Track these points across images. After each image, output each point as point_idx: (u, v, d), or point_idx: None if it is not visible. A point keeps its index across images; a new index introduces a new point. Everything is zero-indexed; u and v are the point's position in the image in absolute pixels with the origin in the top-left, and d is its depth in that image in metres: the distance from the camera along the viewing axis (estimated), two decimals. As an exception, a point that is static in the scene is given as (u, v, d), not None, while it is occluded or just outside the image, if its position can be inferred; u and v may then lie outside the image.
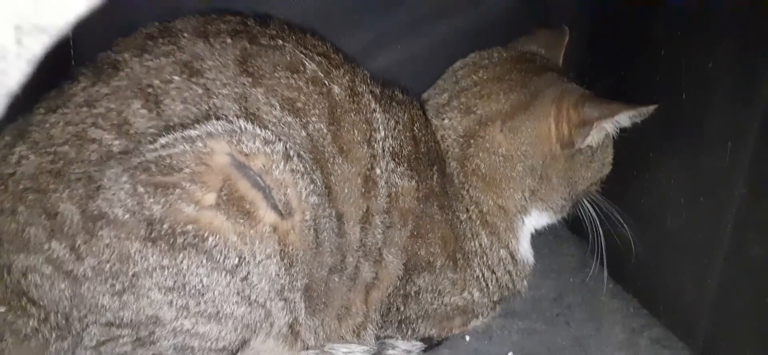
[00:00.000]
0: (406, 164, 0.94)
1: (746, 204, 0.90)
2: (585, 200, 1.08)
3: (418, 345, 0.99)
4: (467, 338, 1.03)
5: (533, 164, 0.99)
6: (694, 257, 1.01)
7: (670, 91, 1.03)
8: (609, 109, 0.94)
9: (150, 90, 0.80)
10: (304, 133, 0.85)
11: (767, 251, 0.87)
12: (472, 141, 1.00)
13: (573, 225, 1.19)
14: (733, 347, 0.93)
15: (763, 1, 0.87)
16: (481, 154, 0.99)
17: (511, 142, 0.98)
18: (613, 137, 1.06)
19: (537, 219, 1.06)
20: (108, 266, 0.74)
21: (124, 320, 0.76)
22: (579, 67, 1.13)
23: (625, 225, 1.06)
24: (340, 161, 0.87)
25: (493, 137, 0.99)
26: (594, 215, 1.08)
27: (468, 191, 1.01)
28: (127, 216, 0.74)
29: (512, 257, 1.05)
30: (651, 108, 0.94)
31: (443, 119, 1.03)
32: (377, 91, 0.97)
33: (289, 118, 0.84)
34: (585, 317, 1.09)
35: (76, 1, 0.37)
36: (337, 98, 0.89)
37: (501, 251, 1.03)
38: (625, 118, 0.95)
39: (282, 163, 0.79)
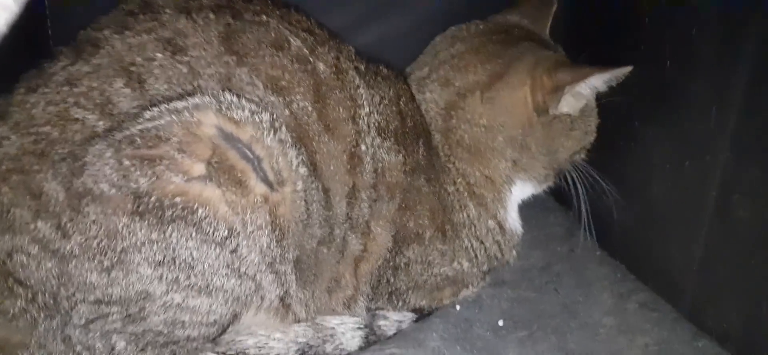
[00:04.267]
0: (392, 139, 0.94)
1: (731, 168, 0.91)
2: (570, 170, 1.08)
3: (410, 316, 0.99)
4: (458, 307, 1.03)
5: (513, 134, 0.99)
6: (680, 222, 1.02)
7: (655, 59, 1.03)
8: (580, 73, 0.94)
9: (133, 68, 0.79)
10: (287, 112, 0.84)
11: (752, 213, 0.88)
12: (453, 113, 1.01)
13: (560, 195, 1.19)
14: (720, 308, 0.95)
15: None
16: (463, 126, 1.00)
17: (489, 112, 0.99)
18: (597, 106, 1.07)
19: (522, 189, 1.06)
20: (95, 242, 0.73)
21: (113, 296, 0.76)
22: (565, 37, 1.13)
23: (610, 194, 1.07)
24: (325, 139, 0.87)
25: (473, 108, 0.99)
26: (579, 184, 1.09)
27: (454, 163, 1.01)
28: (113, 191, 0.73)
29: (500, 227, 1.05)
30: (624, 70, 0.94)
31: (425, 93, 1.03)
32: (362, 67, 0.97)
33: (272, 98, 0.84)
34: (573, 284, 1.09)
35: None
36: (322, 75, 0.89)
37: (489, 221, 1.04)
38: (597, 81, 0.96)
39: (271, 133, 0.79)
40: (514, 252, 1.09)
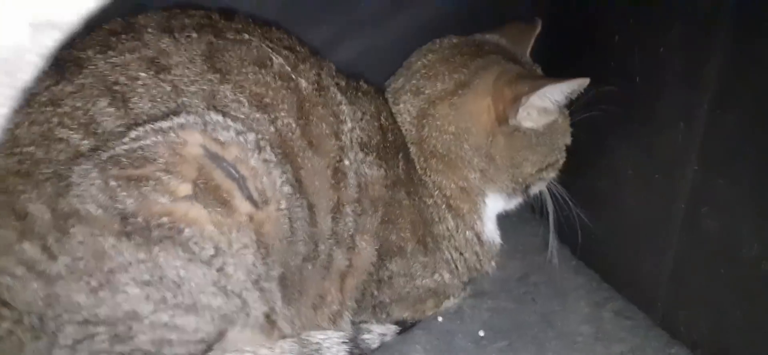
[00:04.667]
0: (374, 154, 0.96)
1: (698, 181, 0.95)
2: (537, 187, 1.11)
3: (393, 328, 1.01)
4: (440, 319, 1.05)
5: (478, 142, 1.02)
6: (651, 233, 1.06)
7: (624, 77, 1.07)
8: (536, 83, 0.97)
9: (116, 88, 0.79)
10: (272, 129, 0.85)
11: (719, 224, 0.92)
12: (424, 121, 1.03)
13: (535, 207, 1.23)
14: (690, 315, 0.98)
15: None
16: (434, 134, 1.03)
17: (456, 120, 1.02)
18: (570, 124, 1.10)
19: (494, 202, 1.09)
20: (82, 263, 0.73)
21: (101, 317, 0.76)
22: (539, 55, 1.16)
23: (579, 207, 1.10)
24: (309, 155, 0.88)
25: (442, 115, 1.02)
26: (549, 199, 1.13)
27: (430, 175, 1.04)
28: (99, 211, 0.73)
29: (478, 238, 1.08)
30: (579, 81, 0.97)
31: (399, 104, 1.06)
32: (343, 83, 0.99)
33: (257, 115, 0.85)
34: (550, 293, 1.13)
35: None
36: (304, 92, 0.91)
37: (467, 232, 1.06)
38: (553, 91, 0.98)
39: (256, 153, 0.80)
40: (492, 263, 1.12)
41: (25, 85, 0.41)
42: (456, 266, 1.05)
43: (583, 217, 1.10)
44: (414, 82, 1.07)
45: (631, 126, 1.08)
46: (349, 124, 0.94)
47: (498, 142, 1.02)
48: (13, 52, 0.39)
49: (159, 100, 0.80)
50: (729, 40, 0.89)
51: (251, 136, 0.81)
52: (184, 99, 0.80)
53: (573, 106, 1.08)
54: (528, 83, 0.98)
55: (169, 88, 0.81)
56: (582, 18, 1.21)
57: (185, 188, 0.76)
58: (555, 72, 1.06)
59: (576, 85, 0.98)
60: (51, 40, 0.40)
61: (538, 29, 1.16)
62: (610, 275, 1.15)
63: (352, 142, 0.94)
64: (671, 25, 0.99)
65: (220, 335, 0.84)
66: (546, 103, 1.01)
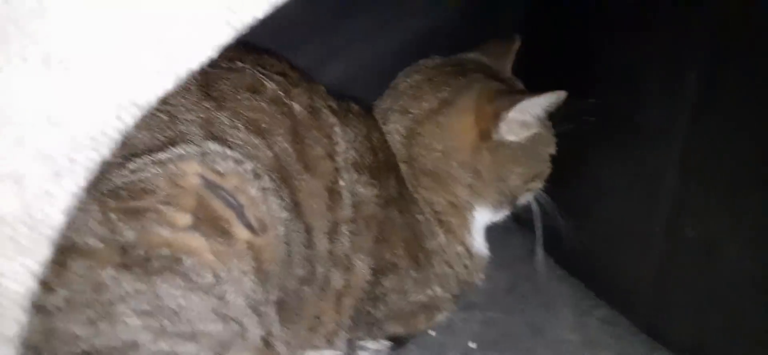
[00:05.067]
0: (368, 173, 0.97)
1: (678, 191, 0.99)
2: (524, 197, 1.14)
3: (386, 344, 1.02)
4: (432, 333, 1.07)
5: (464, 159, 1.04)
6: (634, 242, 1.10)
7: (605, 90, 1.11)
8: (514, 98, 1.00)
9: None
10: (270, 153, 0.86)
11: (699, 232, 0.96)
12: (413, 141, 1.05)
13: (520, 218, 1.26)
14: (673, 320, 1.02)
15: (686, 3, 0.96)
16: (423, 153, 1.05)
17: (442, 138, 1.04)
18: (548, 132, 1.12)
19: (482, 215, 1.11)
20: (81, 296, 0.73)
21: (99, 348, 0.75)
22: (521, 71, 1.19)
23: (563, 217, 1.13)
24: (306, 177, 0.89)
25: (429, 134, 1.04)
26: (535, 209, 1.15)
27: (420, 192, 1.06)
28: (100, 245, 0.73)
29: (468, 251, 1.10)
30: (557, 94, 0.99)
31: (388, 124, 1.08)
32: (334, 105, 1.00)
33: (255, 140, 0.85)
34: (538, 303, 1.16)
35: (169, 79, 0.43)
36: (298, 116, 0.92)
37: (457, 246, 1.08)
38: (531, 105, 1.00)
39: (254, 182, 0.81)
40: (481, 275, 1.14)
41: (105, 159, 0.42)
42: (447, 280, 1.07)
43: (567, 227, 1.13)
44: (401, 102, 1.09)
45: (613, 137, 1.12)
46: (343, 146, 0.95)
47: (483, 158, 1.04)
48: (100, 132, 0.42)
49: (157, 130, 0.80)
50: (707, 53, 0.93)
51: (249, 165, 0.81)
52: (182, 128, 0.81)
53: (556, 118, 1.11)
54: (507, 99, 1.01)
55: (166, 118, 0.81)
56: (562, 33, 1.24)
57: (185, 219, 0.76)
58: (536, 86, 1.08)
59: (553, 98, 1.00)
60: (131, 119, 0.42)
61: (518, 45, 1.19)
62: (595, 283, 1.19)
63: (346, 162, 0.95)
64: (650, 38, 1.02)
65: (219, 360, 0.85)
66: (526, 117, 1.03)
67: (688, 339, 0.99)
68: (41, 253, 0.44)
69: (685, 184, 0.98)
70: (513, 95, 1.02)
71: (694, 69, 0.95)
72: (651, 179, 1.04)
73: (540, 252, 1.19)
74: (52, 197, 0.43)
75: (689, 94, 0.96)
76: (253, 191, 0.81)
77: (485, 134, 1.03)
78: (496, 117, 1.00)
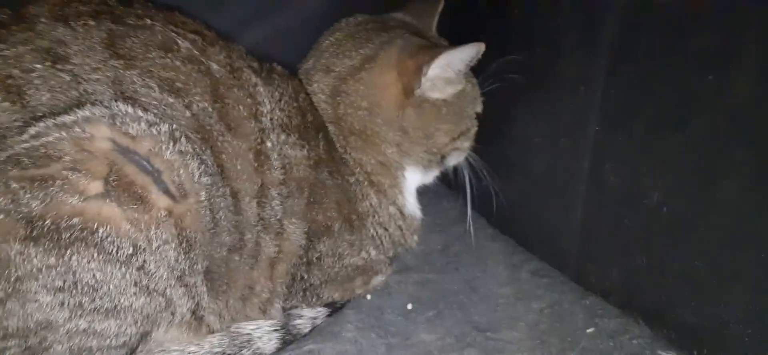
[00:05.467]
0: (296, 134, 0.95)
1: (600, 140, 1.02)
2: (452, 157, 1.14)
3: (323, 311, 1.00)
4: (368, 297, 1.06)
5: (389, 116, 1.03)
6: (559, 194, 1.12)
7: (526, 47, 1.12)
8: (435, 52, 0.99)
9: (10, 81, 0.73)
10: (188, 113, 0.82)
11: (622, 179, 0.99)
12: (338, 99, 1.04)
13: (450, 181, 1.26)
14: (601, 268, 1.05)
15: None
16: (349, 111, 1.03)
17: (366, 95, 1.03)
18: (474, 90, 1.12)
19: (412, 175, 1.10)
20: None
21: (10, 329, 0.70)
22: (446, 32, 1.19)
23: (490, 176, 1.14)
24: (229, 138, 0.86)
25: (354, 91, 1.03)
26: (464, 171, 1.16)
27: (350, 153, 1.04)
28: (1, 216, 0.67)
29: (401, 212, 1.10)
30: (475, 46, 0.99)
31: (312, 84, 1.06)
32: (256, 65, 0.97)
33: (170, 99, 0.81)
34: (471, 261, 1.16)
35: None
36: (217, 75, 0.88)
37: (390, 207, 1.08)
38: (451, 57, 1.00)
39: (170, 145, 0.76)
40: (415, 236, 1.14)
41: None
42: (381, 242, 1.06)
43: (496, 185, 1.15)
44: (323, 61, 1.06)
45: (535, 93, 1.14)
46: (268, 106, 0.92)
47: (408, 115, 1.03)
48: None
49: (58, 90, 0.74)
50: (621, 4, 0.95)
51: (165, 127, 0.77)
52: (86, 87, 0.75)
53: (481, 77, 1.12)
54: (428, 52, 1.00)
55: (68, 78, 0.75)
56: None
57: (96, 186, 0.71)
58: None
59: (473, 50, 1.00)
60: None
61: (442, 5, 1.19)
62: (525, 238, 1.21)
63: (272, 123, 0.92)
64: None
65: (144, 337, 0.80)
66: (448, 73, 1.03)
67: (616, 282, 1.02)
68: None
69: (605, 132, 1.01)
70: (433, 48, 1.02)
71: (610, 18, 0.97)
72: (573, 129, 1.06)
73: (470, 212, 1.19)
74: None
75: (605, 44, 0.98)
76: (170, 155, 0.76)
77: (408, 89, 1.02)
78: (418, 71, 1.00)
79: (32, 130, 0.70)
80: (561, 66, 1.07)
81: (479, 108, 1.14)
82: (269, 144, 0.90)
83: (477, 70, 1.11)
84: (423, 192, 1.19)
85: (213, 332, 0.88)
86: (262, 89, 0.92)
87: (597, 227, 1.05)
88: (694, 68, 0.86)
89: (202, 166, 0.80)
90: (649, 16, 0.92)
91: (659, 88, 0.92)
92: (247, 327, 0.91)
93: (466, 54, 1.00)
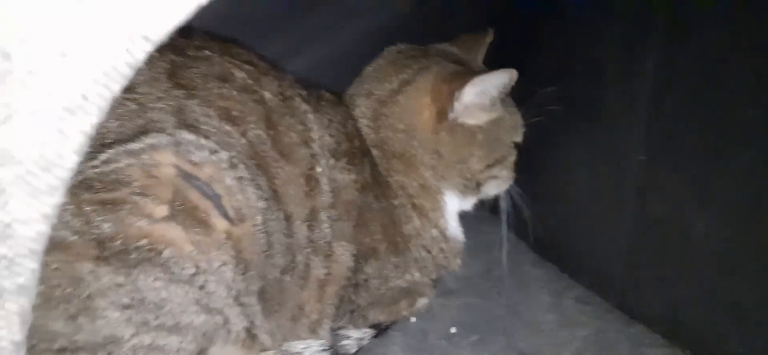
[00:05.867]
0: (344, 159, 0.98)
1: (644, 169, 1.02)
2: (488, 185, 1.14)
3: (369, 332, 1.02)
4: (413, 319, 1.08)
5: (425, 139, 1.06)
6: (604, 222, 1.13)
7: (568, 77, 1.14)
8: (466, 77, 1.01)
9: None
10: (244, 140, 0.86)
11: (666, 209, 1.00)
12: (379, 123, 1.07)
13: (493, 207, 1.27)
14: (646, 297, 1.05)
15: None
16: (389, 134, 1.06)
17: (403, 118, 1.06)
18: (513, 119, 1.13)
19: (451, 199, 1.12)
20: (59, 291, 0.71)
21: (79, 343, 0.74)
22: (490, 64, 1.21)
23: (535, 203, 1.15)
24: (282, 164, 0.89)
25: (392, 115, 1.06)
26: (503, 199, 1.18)
27: (393, 176, 1.07)
28: (74, 238, 0.72)
29: (443, 235, 1.11)
30: (506, 72, 1.01)
31: (355, 109, 1.09)
32: (304, 93, 1.00)
33: (228, 127, 0.85)
34: (514, 286, 1.18)
35: (181, 10, 0.43)
36: (270, 104, 0.92)
37: (432, 230, 1.09)
38: (485, 84, 1.01)
39: (230, 171, 0.81)
40: (458, 259, 1.15)
41: (117, 93, 0.44)
42: (425, 264, 1.08)
43: (536, 214, 1.16)
44: (366, 86, 1.10)
45: (579, 122, 1.15)
46: (318, 132, 0.96)
47: (442, 139, 1.06)
48: (111, 66, 0.43)
49: (126, 118, 0.78)
50: (664, 35, 0.97)
51: (224, 154, 0.81)
52: (152, 116, 0.79)
53: (523, 108, 1.14)
54: (460, 78, 1.02)
55: (135, 107, 0.80)
56: (528, 26, 1.27)
57: (162, 210, 0.75)
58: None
59: (505, 77, 1.01)
60: (142, 53, 0.43)
61: (490, 38, 1.21)
62: (569, 265, 1.22)
63: (322, 149, 0.95)
64: (608, 27, 1.06)
65: (202, 353, 0.84)
66: (482, 99, 1.04)
67: (661, 313, 1.02)
68: (54, 196, 0.44)
69: (650, 163, 1.01)
70: (466, 74, 1.04)
71: (652, 50, 0.98)
72: (617, 158, 1.07)
73: (506, 239, 1.20)
74: (65, 136, 0.42)
75: (648, 75, 0.99)
76: (230, 181, 0.81)
77: (441, 114, 1.04)
78: (451, 95, 1.02)
79: (103, 156, 0.75)
80: (604, 95, 1.08)
81: (518, 138, 1.15)
82: (319, 169, 0.94)
83: (518, 100, 1.13)
84: (464, 216, 1.20)
85: (266, 350, 0.91)
86: (311, 116, 0.96)
87: (642, 256, 1.05)
88: (739, 98, 0.86)
89: (258, 191, 0.84)
90: (693, 45, 0.93)
91: (704, 117, 0.92)
92: (298, 346, 0.94)
93: (498, 80, 1.02)
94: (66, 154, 0.43)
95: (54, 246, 0.70)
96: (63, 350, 0.74)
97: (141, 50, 0.43)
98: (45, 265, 0.69)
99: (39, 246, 0.45)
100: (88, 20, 0.41)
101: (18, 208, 0.43)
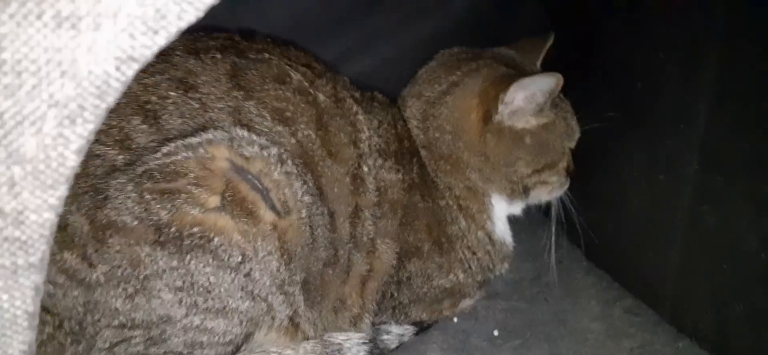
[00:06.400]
0: (392, 159, 1.01)
1: (700, 180, 0.99)
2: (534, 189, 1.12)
3: (411, 329, 1.05)
4: (455, 319, 1.09)
5: (471, 141, 1.05)
6: (657, 232, 1.10)
7: (626, 83, 1.12)
8: (511, 79, 1.00)
9: (148, 106, 0.85)
10: (294, 140, 0.91)
11: (719, 221, 0.96)
12: (428, 124, 1.08)
13: (547, 211, 1.27)
14: (696, 311, 1.02)
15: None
16: (437, 135, 1.07)
17: (449, 118, 1.06)
18: (563, 124, 1.11)
19: (499, 203, 1.11)
20: (119, 271, 0.78)
21: (136, 321, 0.81)
22: (551, 67, 1.20)
23: (588, 210, 1.14)
24: (329, 163, 0.94)
25: (440, 115, 1.07)
26: (553, 203, 1.16)
27: (440, 177, 1.08)
28: (135, 223, 0.79)
29: (489, 238, 1.11)
30: (553, 76, 0.99)
31: (406, 110, 1.11)
32: (358, 95, 1.04)
33: (279, 128, 0.90)
34: (562, 293, 1.16)
35: (161, 36, 0.50)
36: (322, 105, 0.96)
37: (478, 232, 1.10)
38: (529, 87, 1.00)
39: (278, 167, 0.85)
40: (505, 264, 1.15)
41: (111, 106, 0.51)
42: (470, 266, 1.09)
43: (588, 221, 1.14)
44: (417, 87, 1.12)
45: (634, 130, 1.12)
46: (367, 133, 0.99)
47: (488, 141, 1.05)
48: (103, 81, 0.49)
49: (188, 116, 0.85)
50: (723, 43, 0.93)
51: (274, 150, 0.86)
52: (212, 115, 0.86)
53: (582, 113, 1.12)
54: (506, 80, 1.02)
55: (197, 105, 0.86)
56: (585, 31, 1.25)
57: (214, 200, 0.81)
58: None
59: (551, 80, 1.00)
60: (131, 71, 0.50)
61: (550, 42, 1.19)
62: (620, 274, 1.19)
63: (370, 149, 0.99)
64: (668, 31, 1.03)
65: (247, 337, 0.89)
66: (529, 102, 1.03)
67: (711, 329, 0.98)
68: (59, 190, 0.52)
69: (705, 171, 0.98)
70: (512, 76, 1.03)
71: (712, 55, 0.95)
72: (672, 167, 1.04)
73: (553, 246, 1.18)
74: (67, 140, 0.51)
75: (708, 81, 0.96)
76: (278, 175, 0.86)
77: (487, 116, 1.04)
78: (496, 98, 1.02)
79: (165, 150, 0.82)
80: (661, 102, 1.06)
81: (571, 144, 1.13)
82: (365, 168, 0.97)
83: (575, 105, 1.12)
84: (517, 220, 1.20)
85: (307, 339, 0.96)
86: (361, 117, 1.00)
87: (694, 269, 1.02)
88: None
89: (305, 187, 0.88)
90: (752, 54, 0.89)
91: (761, 129, 0.89)
92: (339, 337, 0.98)
93: (544, 83, 1.01)
94: (68, 155, 0.52)
95: (116, 230, 0.78)
96: (122, 326, 0.81)
97: (129, 69, 0.50)
98: (108, 247, 0.78)
99: (47, 231, 0.54)
100: (84, 45, 0.48)
101: (29, 199, 0.52)
